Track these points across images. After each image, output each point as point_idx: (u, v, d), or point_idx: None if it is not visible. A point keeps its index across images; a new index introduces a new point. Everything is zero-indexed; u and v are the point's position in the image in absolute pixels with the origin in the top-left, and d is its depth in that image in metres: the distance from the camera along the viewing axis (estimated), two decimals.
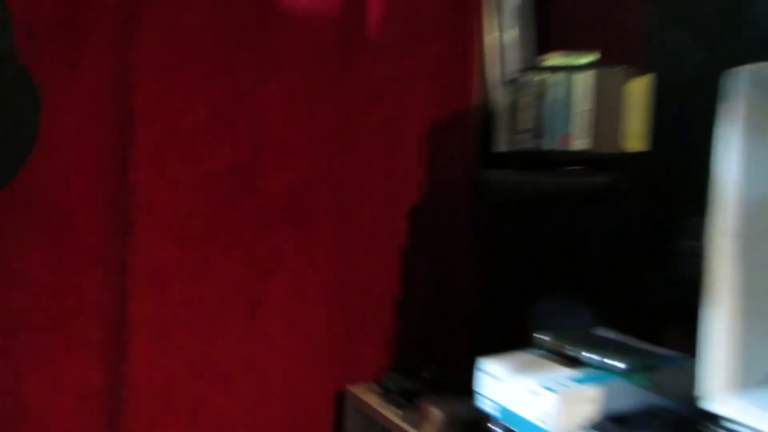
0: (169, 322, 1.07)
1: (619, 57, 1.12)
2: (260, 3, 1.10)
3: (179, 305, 1.08)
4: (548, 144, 1.08)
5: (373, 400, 1.15)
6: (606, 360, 0.89)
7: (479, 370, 0.97)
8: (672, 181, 0.95)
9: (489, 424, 0.94)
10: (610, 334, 1.06)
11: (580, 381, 0.87)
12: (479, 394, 0.97)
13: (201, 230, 1.10)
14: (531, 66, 1.20)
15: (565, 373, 0.90)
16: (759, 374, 0.84)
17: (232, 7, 1.09)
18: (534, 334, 1.00)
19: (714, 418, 0.81)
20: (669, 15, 1.21)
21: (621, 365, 0.87)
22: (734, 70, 0.74)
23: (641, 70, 1.07)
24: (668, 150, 1.06)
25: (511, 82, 1.13)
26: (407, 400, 1.09)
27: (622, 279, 1.20)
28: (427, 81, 1.25)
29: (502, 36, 1.29)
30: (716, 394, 0.78)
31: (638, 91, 1.05)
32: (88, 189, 1.02)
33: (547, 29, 1.29)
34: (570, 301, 1.10)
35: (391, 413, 1.09)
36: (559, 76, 1.08)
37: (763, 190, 0.79)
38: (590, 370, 0.91)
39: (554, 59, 1.13)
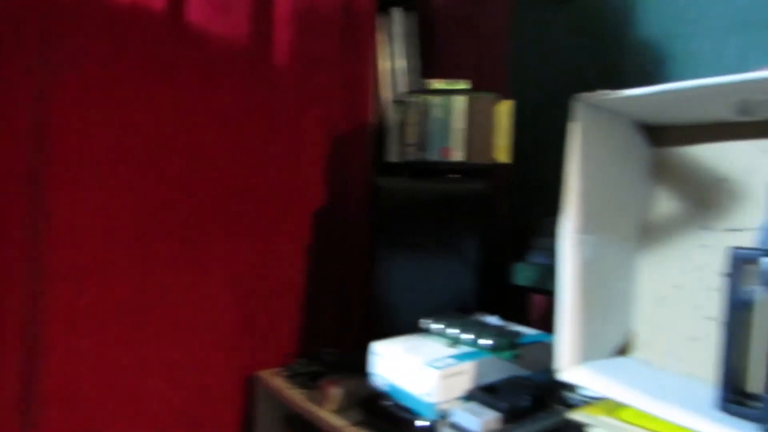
0: (82, 318, 1.00)
1: (488, 84, 1.17)
2: (172, 27, 1.06)
3: (94, 301, 1.01)
4: (431, 155, 1.11)
5: (281, 383, 1.13)
6: (479, 339, 0.92)
7: (373, 352, 0.97)
8: (531, 187, 1.00)
9: (381, 400, 0.94)
10: (488, 318, 1.09)
11: (457, 358, 0.89)
12: (373, 373, 0.97)
13: (119, 231, 1.03)
14: (417, 89, 1.23)
15: (445, 352, 0.93)
16: (605, 349, 0.90)
17: (146, 29, 1.03)
18: (420, 320, 1.01)
19: (566, 386, 0.86)
20: (528, 51, 1.29)
21: (490, 343, 0.90)
22: (576, 96, 0.79)
23: (506, 95, 1.12)
24: (528, 161, 1.13)
25: (400, 102, 1.15)
26: (311, 381, 1.08)
27: (496, 269, 1.25)
28: (328, 101, 1.26)
29: (393, 63, 1.32)
30: (567, 365, 0.82)
31: (504, 112, 1.10)
32: (3, 188, 0.93)
33: (431, 59, 1.33)
34: (452, 290, 1.13)
35: (296, 394, 1.07)
36: (440, 99, 1.12)
37: (598, 195, 0.84)
38: (467, 349, 0.94)
39: (436, 84, 1.17)
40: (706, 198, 0.83)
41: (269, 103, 1.19)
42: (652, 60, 1.08)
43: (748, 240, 0.78)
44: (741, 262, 0.69)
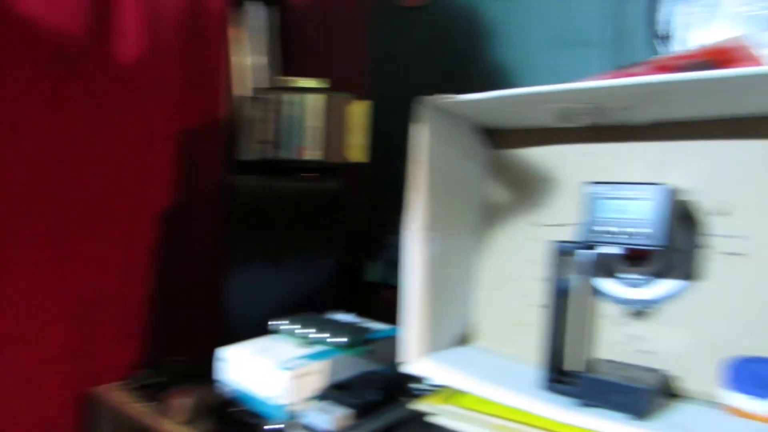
0: None
1: (346, 83, 1.18)
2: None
3: None
4: (286, 154, 1.09)
5: (123, 397, 1.04)
6: (331, 337, 0.93)
7: (221, 358, 0.94)
8: (387, 186, 1.03)
9: (231, 407, 0.91)
10: (343, 316, 1.10)
11: (309, 358, 0.89)
12: (222, 380, 0.93)
13: None
14: (273, 86, 1.20)
15: (297, 352, 0.92)
16: (447, 340, 0.94)
17: None
18: (270, 321, 0.99)
19: (414, 378, 0.89)
20: (385, 52, 1.32)
21: (342, 340, 0.91)
22: (421, 98, 0.82)
23: (363, 96, 1.14)
24: (382, 161, 1.15)
25: (255, 99, 1.12)
26: (157, 393, 1.01)
27: (352, 268, 1.27)
28: (176, 96, 1.19)
29: (249, 58, 1.28)
30: (412, 358, 0.85)
31: (360, 112, 1.11)
32: None
33: (290, 56, 1.32)
34: (307, 290, 1.12)
35: (140, 408, 1.00)
36: (296, 96, 1.10)
37: (441, 193, 0.88)
38: (319, 348, 0.94)
39: (292, 82, 1.16)
40: (535, 196, 0.92)
41: (108, 98, 1.10)
42: (498, 68, 1.16)
43: (569, 234, 0.87)
44: (561, 254, 0.77)
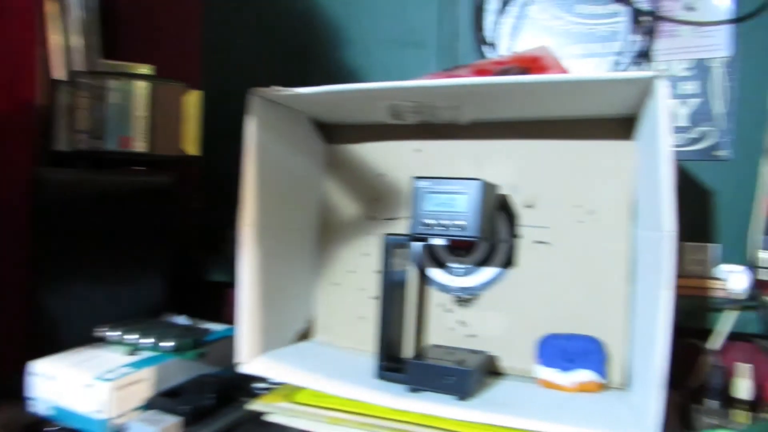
0: None
1: (178, 71, 1.12)
2: None
3: None
4: (108, 145, 1.00)
5: None
6: (160, 343, 0.87)
7: (31, 373, 0.83)
8: (224, 180, 0.98)
9: (47, 427, 0.81)
10: (176, 319, 1.04)
11: (134, 366, 0.83)
12: (33, 397, 0.83)
13: None
14: (93, 70, 1.10)
15: (121, 361, 0.85)
16: (287, 337, 0.93)
17: None
18: (94, 329, 0.91)
19: (253, 378, 0.87)
20: (222, 42, 1.27)
21: (171, 344, 0.86)
22: (253, 90, 0.80)
23: (197, 85, 1.08)
24: (219, 154, 1.11)
25: (74, 84, 1.01)
26: None
27: (190, 266, 1.20)
28: None
29: (67, 41, 1.15)
30: (248, 357, 0.83)
31: (192, 102, 1.05)
32: None
33: (114, 40, 1.21)
34: (137, 293, 1.04)
35: None
36: (121, 83, 1.01)
37: (276, 188, 0.87)
38: (147, 355, 0.87)
39: (117, 67, 1.06)
40: (370, 191, 0.94)
41: None
42: (339, 65, 1.17)
43: (403, 227, 0.90)
44: (392, 247, 0.79)
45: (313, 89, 0.75)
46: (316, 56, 1.18)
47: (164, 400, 0.81)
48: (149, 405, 0.81)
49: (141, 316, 1.00)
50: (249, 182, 0.81)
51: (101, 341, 0.91)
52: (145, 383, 0.83)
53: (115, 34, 1.25)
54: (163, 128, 1.02)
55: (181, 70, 1.19)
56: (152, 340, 0.87)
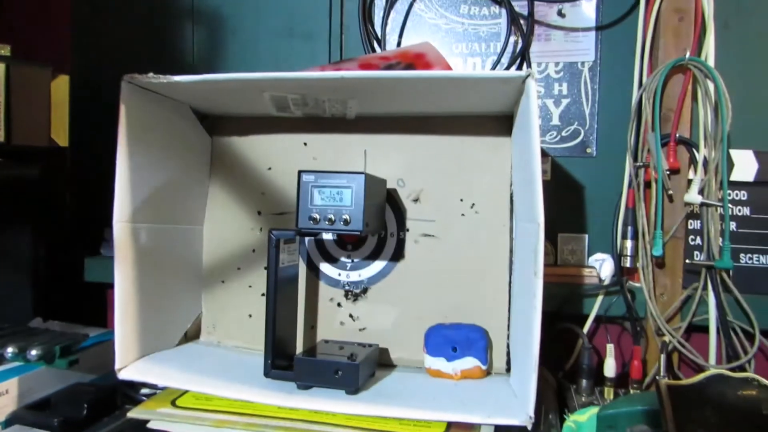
0: None
1: (43, 54, 1.02)
2: None
3: None
4: None
5: None
6: (25, 352, 0.80)
7: None
8: (101, 173, 0.91)
9: None
10: (46, 324, 0.96)
11: None
12: None
13: None
14: None
15: None
16: (172, 338, 0.89)
17: None
18: None
19: (138, 385, 0.82)
20: (97, 24, 1.18)
21: (37, 353, 0.79)
22: (126, 77, 0.75)
23: (65, 71, 0.99)
24: (92, 144, 1.03)
25: None
26: None
27: (64, 267, 1.11)
28: None
29: None
30: (127, 362, 0.78)
31: (60, 89, 0.97)
32: None
33: None
34: (3, 296, 0.95)
35: None
36: None
37: (154, 181, 0.82)
38: (11, 365, 0.80)
39: None
40: (257, 185, 0.92)
41: None
42: (225, 53, 1.13)
43: (291, 222, 0.89)
44: (279, 242, 0.78)
45: (190, 77, 0.72)
46: (201, 44, 1.13)
47: (30, 414, 0.75)
48: (13, 419, 0.75)
49: (5, 322, 0.91)
50: (122, 176, 0.76)
51: None
52: (6, 397, 0.76)
53: None
54: (26, 116, 0.93)
55: (48, 53, 1.09)
56: (13, 349, 0.80)
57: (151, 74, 0.74)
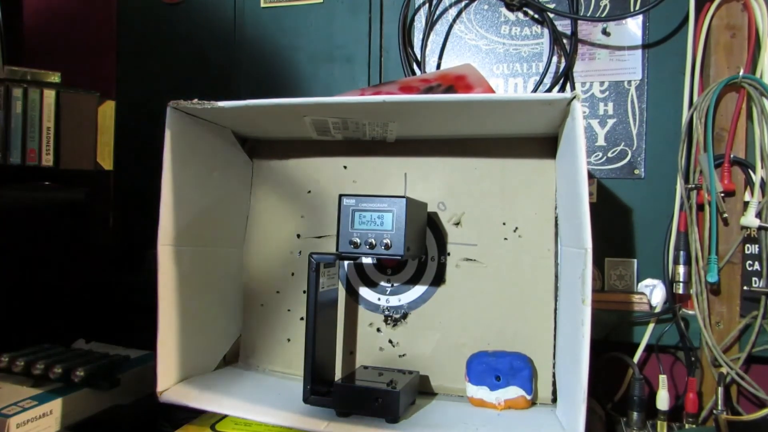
0: None
1: (90, 80, 1.08)
2: None
3: None
4: (12, 158, 0.95)
5: None
6: (69, 373, 0.83)
7: None
8: (143, 196, 0.95)
9: None
10: (90, 345, 0.99)
11: (37, 399, 0.78)
12: None
13: None
14: None
15: (26, 393, 0.80)
16: (211, 361, 0.91)
17: None
18: None
19: (177, 408, 0.84)
20: (140, 50, 1.23)
21: (81, 374, 0.82)
22: (172, 103, 0.79)
23: (112, 95, 1.05)
24: (135, 168, 1.07)
25: None
26: None
27: (101, 289, 1.15)
28: None
29: None
30: (168, 385, 0.80)
31: (107, 114, 1.02)
32: None
33: (18, 43, 1.15)
34: (45, 318, 0.99)
35: None
36: (22, 90, 0.96)
37: (197, 205, 0.85)
38: (56, 386, 0.83)
39: (20, 74, 1.01)
40: (297, 208, 0.94)
41: None
42: (266, 78, 1.16)
43: (331, 245, 0.90)
44: (318, 266, 0.79)
45: (234, 103, 0.75)
46: (241, 70, 1.17)
47: None
48: None
49: (48, 343, 0.95)
50: (166, 199, 0.79)
51: (2, 371, 0.86)
52: (50, 418, 0.79)
53: (20, 38, 1.20)
54: (73, 140, 0.98)
55: (95, 80, 1.15)
56: (59, 369, 0.83)
57: (195, 100, 0.77)
